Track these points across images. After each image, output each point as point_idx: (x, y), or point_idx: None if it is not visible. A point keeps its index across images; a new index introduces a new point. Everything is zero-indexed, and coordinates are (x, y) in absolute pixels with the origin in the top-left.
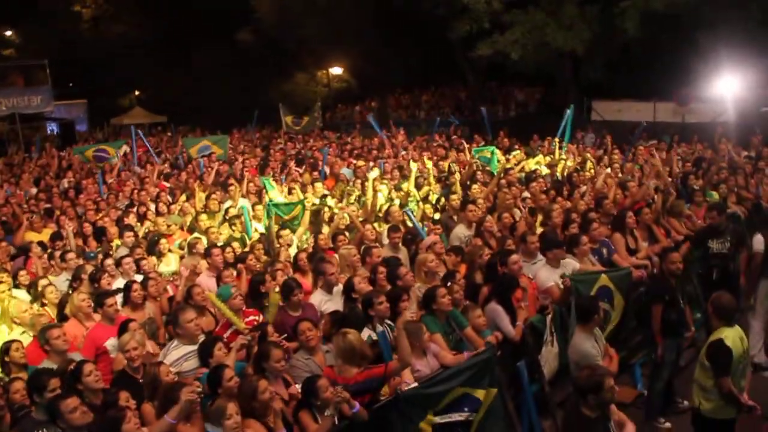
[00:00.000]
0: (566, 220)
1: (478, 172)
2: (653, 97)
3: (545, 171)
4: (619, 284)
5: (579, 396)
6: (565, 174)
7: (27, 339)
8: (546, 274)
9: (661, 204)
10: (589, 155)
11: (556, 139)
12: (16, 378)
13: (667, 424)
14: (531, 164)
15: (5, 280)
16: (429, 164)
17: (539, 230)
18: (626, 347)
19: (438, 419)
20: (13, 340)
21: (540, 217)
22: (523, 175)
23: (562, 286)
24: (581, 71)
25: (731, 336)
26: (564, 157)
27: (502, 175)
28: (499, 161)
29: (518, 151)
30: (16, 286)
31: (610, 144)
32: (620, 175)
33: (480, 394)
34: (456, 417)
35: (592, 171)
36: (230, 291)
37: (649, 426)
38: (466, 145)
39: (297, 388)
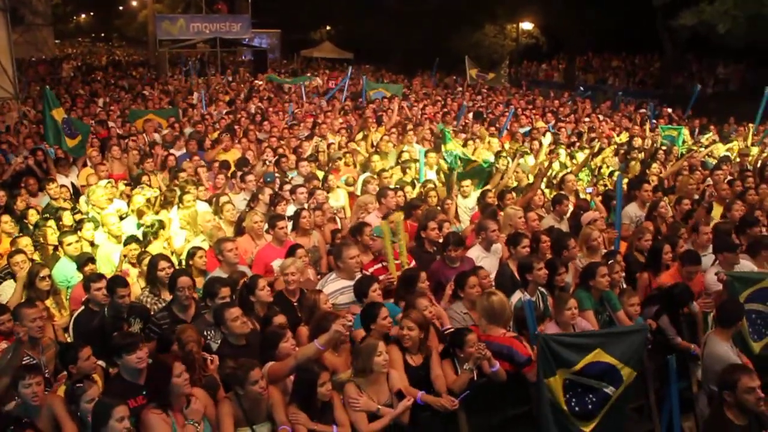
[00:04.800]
0: (748, 218)
1: (661, 151)
2: None
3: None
4: None
5: (719, 397)
6: (758, 165)
7: (205, 246)
8: (715, 278)
9: None
10: None
11: (750, 125)
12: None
13: None
14: (721, 149)
15: (192, 192)
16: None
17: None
18: None
19: (570, 376)
20: (199, 248)
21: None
22: (711, 160)
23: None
24: None
25: None
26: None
27: (686, 156)
28: (685, 141)
29: (711, 133)
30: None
31: None
32: None
33: (626, 372)
34: (590, 382)
35: None
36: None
37: None
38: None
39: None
